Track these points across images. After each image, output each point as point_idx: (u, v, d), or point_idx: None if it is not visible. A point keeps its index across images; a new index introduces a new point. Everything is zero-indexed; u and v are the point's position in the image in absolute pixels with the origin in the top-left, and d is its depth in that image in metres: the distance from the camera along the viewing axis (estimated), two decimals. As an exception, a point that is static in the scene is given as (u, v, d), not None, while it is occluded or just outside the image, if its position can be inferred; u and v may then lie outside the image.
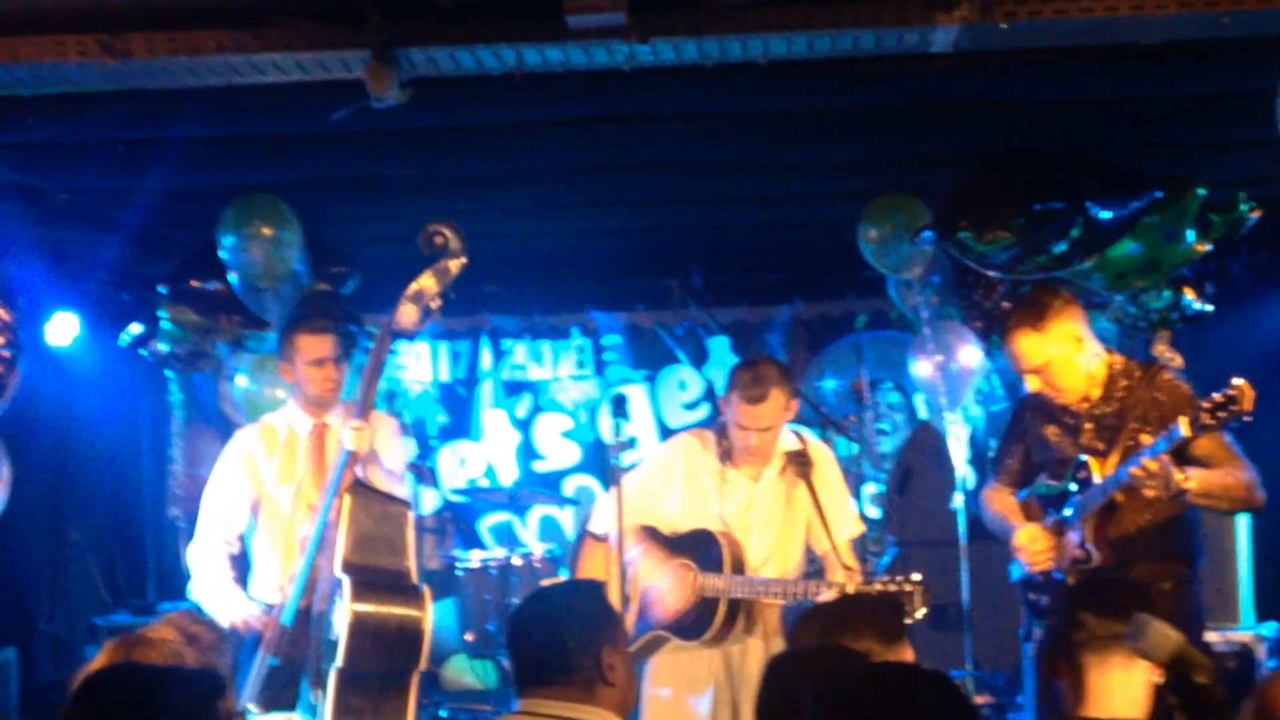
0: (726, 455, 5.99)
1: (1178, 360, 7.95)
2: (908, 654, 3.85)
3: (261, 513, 6.15)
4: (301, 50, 5.29)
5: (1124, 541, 5.54)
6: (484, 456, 10.54)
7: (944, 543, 8.92)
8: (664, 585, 5.94)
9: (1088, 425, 5.66)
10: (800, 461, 5.93)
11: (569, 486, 10.42)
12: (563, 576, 8.66)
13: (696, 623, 5.84)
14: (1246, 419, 5.02)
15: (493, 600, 9.02)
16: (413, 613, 5.51)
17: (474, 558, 9.22)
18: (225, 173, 7.37)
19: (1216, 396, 5.03)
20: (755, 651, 5.87)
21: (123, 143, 6.70)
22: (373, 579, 5.49)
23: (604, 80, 5.67)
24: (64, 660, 8.70)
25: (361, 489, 5.64)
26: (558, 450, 10.54)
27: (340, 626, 5.39)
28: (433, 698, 8.89)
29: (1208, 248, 7.12)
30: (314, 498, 5.91)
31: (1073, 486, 5.64)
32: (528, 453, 10.55)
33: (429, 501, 10.25)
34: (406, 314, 5.76)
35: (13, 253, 7.59)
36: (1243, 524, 8.11)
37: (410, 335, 5.97)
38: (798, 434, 6.13)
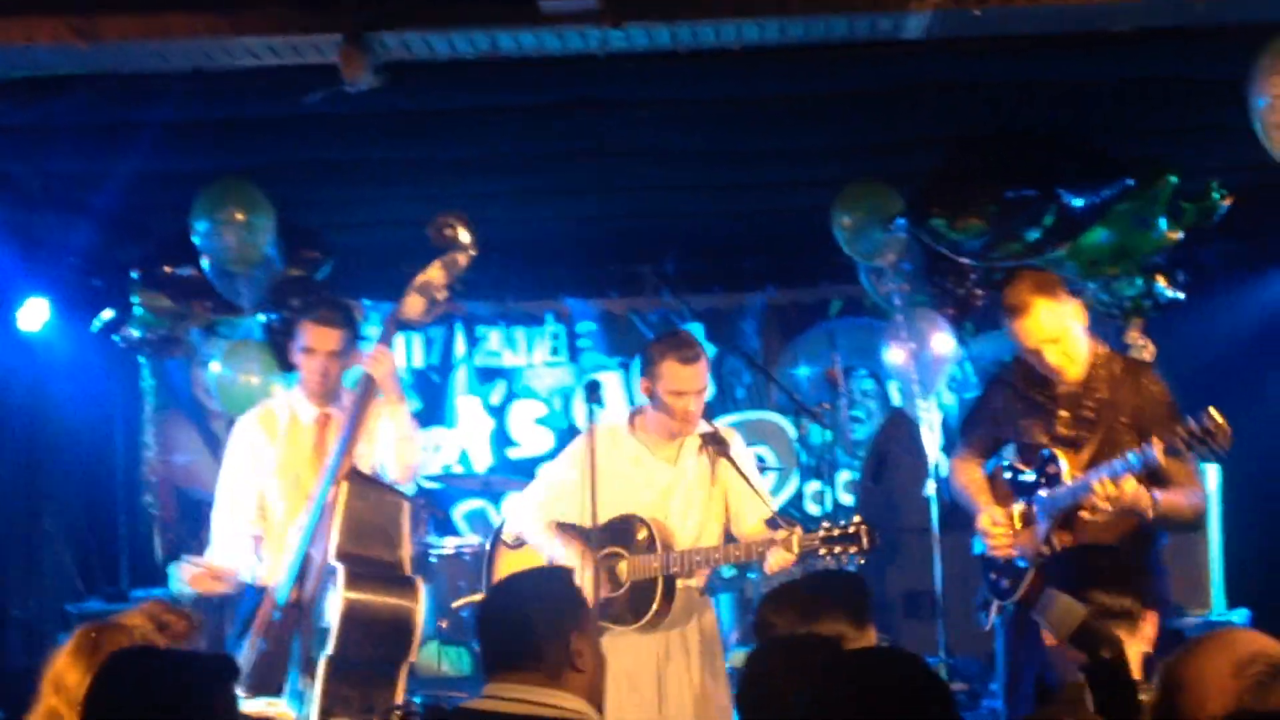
0: (639, 440, 5.95)
1: (1150, 348, 7.98)
2: (872, 635, 3.87)
3: (263, 499, 6.11)
4: (274, 34, 5.28)
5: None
6: (458, 443, 10.53)
7: (917, 530, 8.94)
8: (595, 577, 5.91)
9: (1063, 413, 5.63)
10: (716, 440, 5.90)
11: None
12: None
13: (633, 608, 5.80)
14: (1222, 453, 5.03)
15: (466, 587, 8.99)
16: (405, 603, 5.51)
17: (448, 544, 9.20)
18: (198, 157, 7.34)
19: (1194, 427, 5.02)
20: (692, 638, 5.87)
21: (95, 127, 6.67)
22: (366, 569, 5.48)
23: (577, 65, 5.68)
24: (36, 647, 8.65)
25: (359, 477, 5.62)
26: (532, 437, 10.52)
27: (332, 615, 5.38)
28: (407, 686, 8.88)
29: (1180, 235, 7.14)
30: (310, 486, 5.86)
31: (1040, 481, 5.62)
32: (501, 439, 10.53)
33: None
34: (413, 305, 5.76)
35: (-16, 237, 7.57)
36: (1213, 511, 8.15)
37: (416, 327, 5.96)
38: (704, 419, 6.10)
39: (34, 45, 5.27)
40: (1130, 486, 5.20)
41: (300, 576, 5.57)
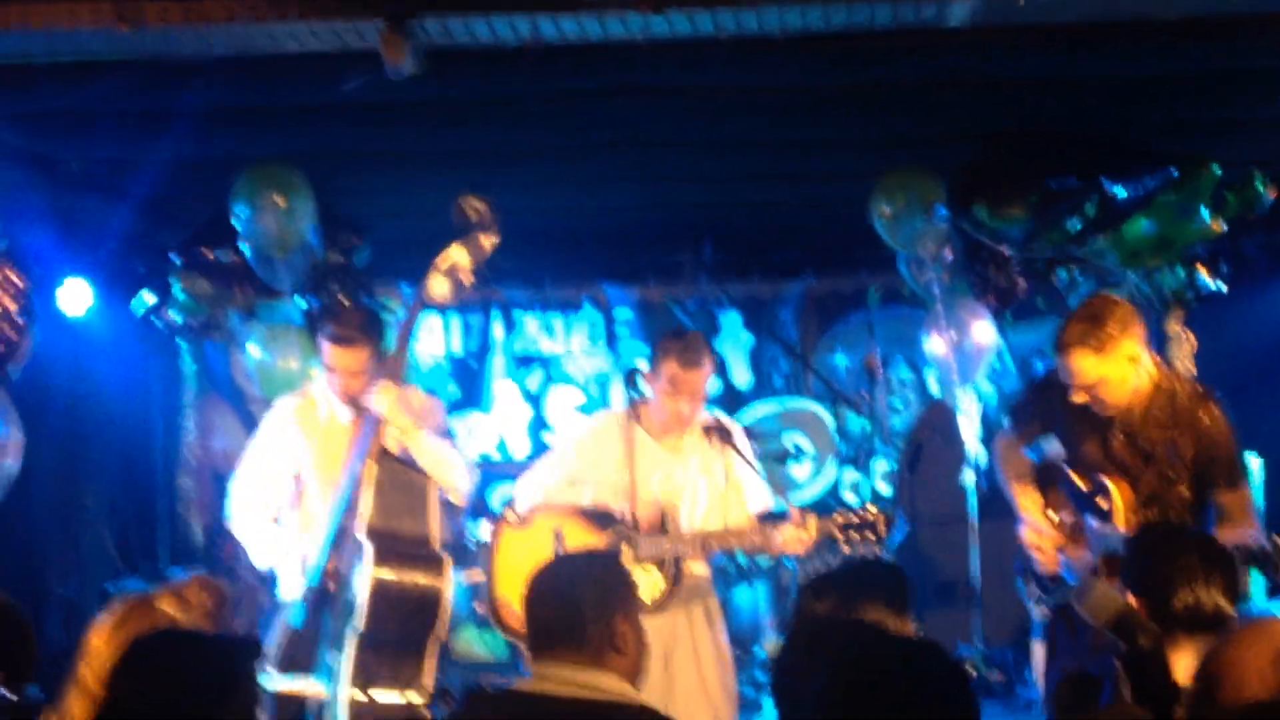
0: (644, 430, 5.95)
1: (1190, 339, 7.94)
2: (910, 625, 3.86)
3: (294, 489, 6.11)
4: (315, 19, 5.28)
5: None
6: (495, 429, 10.55)
7: (955, 520, 8.92)
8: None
9: (1120, 435, 5.33)
10: (720, 430, 5.92)
11: (580, 460, 10.41)
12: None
13: (642, 590, 5.81)
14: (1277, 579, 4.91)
15: (503, 572, 9.01)
16: (433, 582, 5.54)
17: (484, 530, 9.23)
18: (239, 142, 7.36)
19: (1254, 545, 4.81)
20: (699, 623, 5.88)
21: (137, 111, 6.70)
22: (395, 545, 5.51)
23: (618, 53, 5.67)
24: (76, 626, 8.70)
25: (389, 456, 5.64)
26: (569, 423, 10.53)
27: (361, 591, 5.41)
28: (442, 668, 8.89)
29: (1222, 226, 7.10)
30: (343, 469, 5.86)
31: (1093, 507, 5.38)
32: (539, 425, 10.54)
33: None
34: (437, 286, 5.74)
35: (26, 221, 7.60)
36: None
37: (441, 308, 5.94)
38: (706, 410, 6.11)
39: (77, 29, 5.29)
40: None
41: (332, 554, 5.59)
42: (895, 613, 3.66)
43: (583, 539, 5.92)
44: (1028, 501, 5.63)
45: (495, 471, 10.27)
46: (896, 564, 5.27)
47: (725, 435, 5.92)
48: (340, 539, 5.58)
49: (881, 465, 9.96)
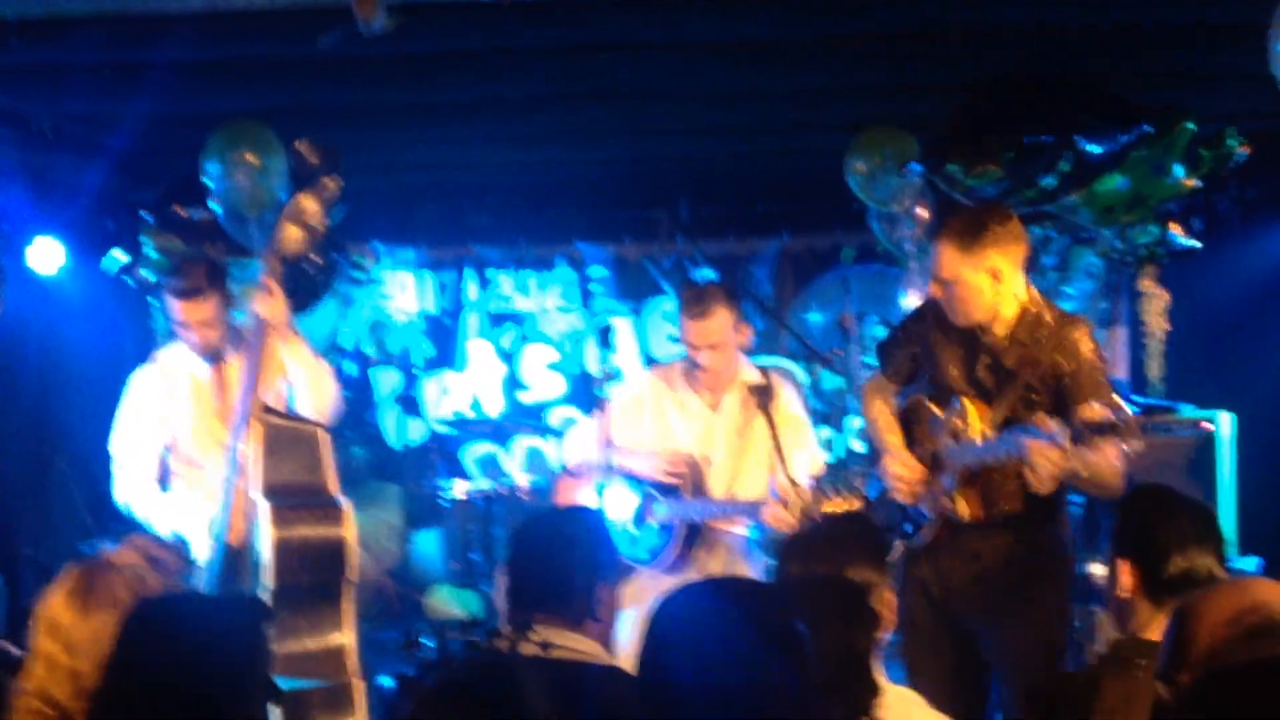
0: (688, 384, 6.02)
1: (1164, 296, 7.95)
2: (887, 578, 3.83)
3: (173, 457, 6.15)
4: (287, -27, 5.24)
5: (997, 498, 5.21)
6: (469, 387, 10.54)
7: (928, 476, 8.92)
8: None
9: (985, 359, 5.25)
10: (761, 393, 5.88)
11: (554, 418, 10.42)
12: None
13: (656, 550, 5.83)
14: (1129, 446, 4.68)
15: (477, 530, 9.05)
16: (335, 530, 5.63)
17: (458, 488, 9.24)
18: (211, 99, 7.31)
19: (1099, 417, 4.67)
20: None
21: (108, 67, 6.64)
22: (291, 500, 5.60)
23: (593, 6, 5.63)
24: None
25: (271, 415, 5.70)
26: (543, 381, 10.54)
27: (265, 550, 5.47)
28: (416, 626, 8.91)
29: (1196, 183, 7.10)
30: (224, 436, 5.91)
31: (949, 430, 5.30)
32: (513, 384, 10.55)
33: (414, 432, 10.27)
34: (290, 234, 5.82)
35: (-4, 179, 7.55)
36: (1226, 457, 8.13)
37: (296, 257, 5.99)
38: (763, 369, 6.09)
39: (47, -16, 5.25)
40: (1058, 456, 4.77)
41: (230, 517, 5.66)
42: (878, 570, 3.65)
43: (621, 495, 5.99)
44: (892, 439, 5.52)
45: (470, 430, 10.28)
46: (867, 518, 5.24)
47: (765, 398, 5.85)
48: (236, 500, 5.64)
49: (855, 422, 9.98)
